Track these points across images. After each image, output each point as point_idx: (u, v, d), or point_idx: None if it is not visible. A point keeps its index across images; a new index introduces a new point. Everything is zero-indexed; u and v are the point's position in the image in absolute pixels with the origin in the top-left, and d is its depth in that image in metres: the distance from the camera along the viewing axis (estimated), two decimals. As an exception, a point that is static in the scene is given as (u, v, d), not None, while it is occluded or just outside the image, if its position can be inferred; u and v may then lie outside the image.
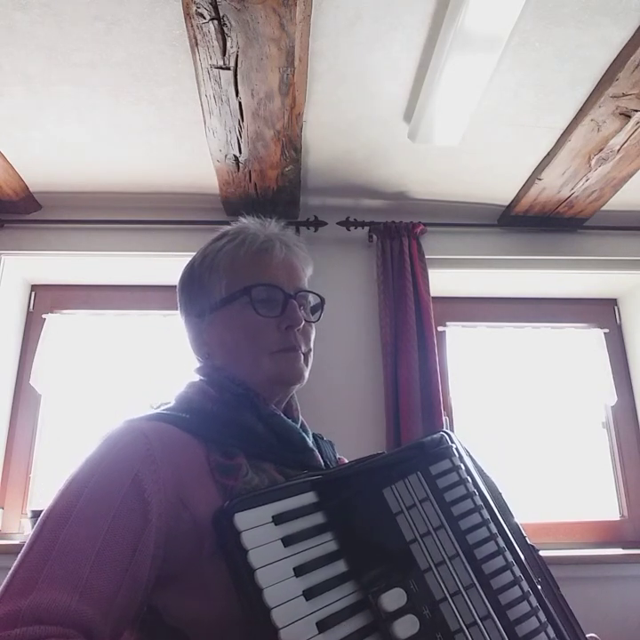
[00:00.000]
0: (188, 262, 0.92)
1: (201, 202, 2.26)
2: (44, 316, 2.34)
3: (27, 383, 2.25)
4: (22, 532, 2.11)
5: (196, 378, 0.84)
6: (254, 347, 0.81)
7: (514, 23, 1.38)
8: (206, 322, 0.85)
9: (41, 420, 2.29)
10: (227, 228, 0.91)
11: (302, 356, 0.84)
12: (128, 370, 2.29)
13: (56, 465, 2.24)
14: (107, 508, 0.62)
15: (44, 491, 2.21)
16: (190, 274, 0.89)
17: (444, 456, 0.72)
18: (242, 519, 0.60)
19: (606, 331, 2.48)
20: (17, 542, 2.00)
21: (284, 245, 0.86)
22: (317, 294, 0.90)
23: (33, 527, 0.62)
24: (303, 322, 0.84)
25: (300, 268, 0.88)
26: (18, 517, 2.14)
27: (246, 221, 0.90)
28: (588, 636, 0.76)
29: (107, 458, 0.67)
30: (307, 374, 0.85)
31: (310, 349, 0.87)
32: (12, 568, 0.59)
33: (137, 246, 2.26)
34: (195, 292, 0.87)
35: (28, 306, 2.41)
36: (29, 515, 2.00)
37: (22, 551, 0.60)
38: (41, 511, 0.64)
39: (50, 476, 2.23)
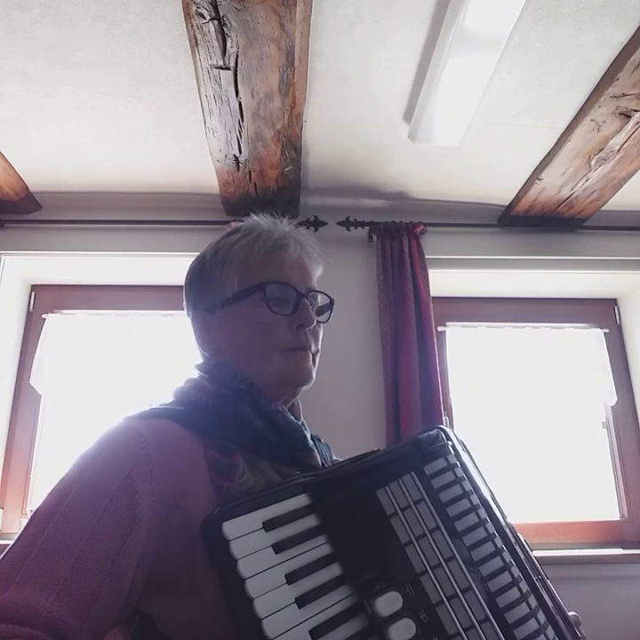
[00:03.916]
0: (197, 256, 0.90)
1: (201, 202, 2.26)
2: (43, 316, 2.34)
3: (27, 383, 2.25)
4: (22, 531, 2.11)
5: (196, 374, 0.83)
6: (265, 344, 0.80)
7: (514, 23, 1.38)
8: (216, 317, 0.84)
9: (41, 420, 2.29)
10: (239, 223, 0.89)
11: (311, 356, 0.83)
12: (128, 370, 2.29)
13: (56, 465, 2.24)
14: (93, 508, 0.60)
15: (44, 491, 2.21)
16: (201, 267, 0.87)
17: (439, 455, 0.70)
18: (230, 528, 0.58)
19: (606, 331, 2.48)
20: (17, 542, 2.00)
21: (299, 244, 0.86)
22: (327, 295, 0.89)
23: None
24: (314, 322, 0.83)
25: (312, 268, 0.87)
26: (18, 517, 2.15)
27: (258, 218, 0.89)
28: (570, 614, 0.75)
29: (99, 457, 0.65)
30: (314, 374, 0.84)
31: (318, 350, 0.86)
32: None
33: (137, 246, 2.27)
34: (205, 285, 0.86)
35: (28, 306, 2.41)
36: (29, 515, 2.00)
37: (6, 549, 0.59)
38: (40, 511, 0.63)
39: (50, 476, 2.23)
